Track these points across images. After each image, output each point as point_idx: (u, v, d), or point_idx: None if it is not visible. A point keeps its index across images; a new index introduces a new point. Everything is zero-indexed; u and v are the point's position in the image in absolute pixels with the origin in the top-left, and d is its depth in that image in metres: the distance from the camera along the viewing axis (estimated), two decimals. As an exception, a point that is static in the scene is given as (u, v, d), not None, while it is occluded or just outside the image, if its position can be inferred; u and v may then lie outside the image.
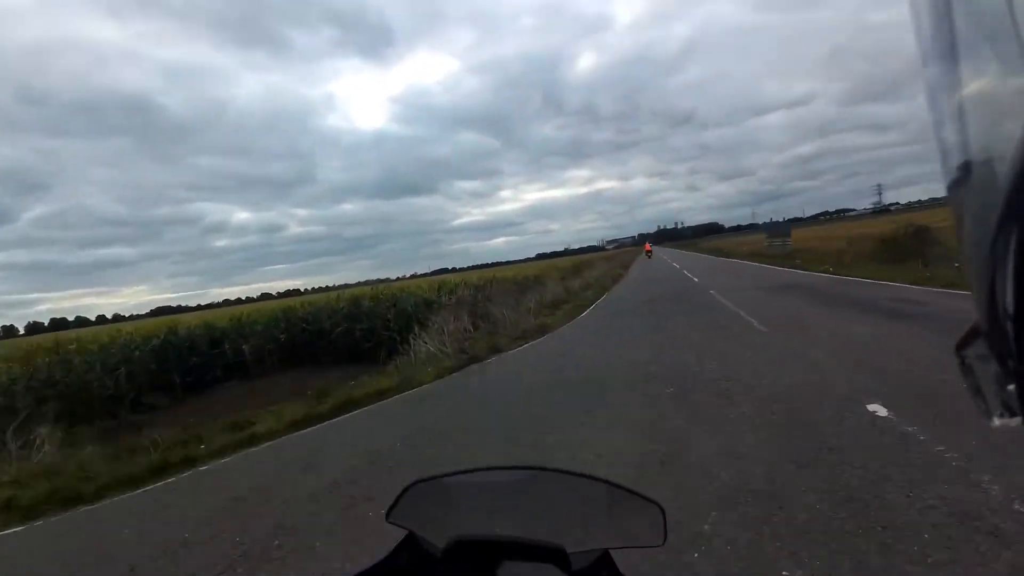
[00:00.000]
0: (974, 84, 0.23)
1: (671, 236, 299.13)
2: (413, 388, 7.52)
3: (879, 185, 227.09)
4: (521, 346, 9.68)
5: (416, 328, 13.02)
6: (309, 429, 6.21)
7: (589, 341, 9.02)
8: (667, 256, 52.14)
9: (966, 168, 0.24)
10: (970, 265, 0.24)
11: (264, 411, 9.57)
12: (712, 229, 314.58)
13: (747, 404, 4.34)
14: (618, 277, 26.77)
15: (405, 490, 0.71)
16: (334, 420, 6.47)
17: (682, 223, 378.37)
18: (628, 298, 15.70)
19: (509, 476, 0.80)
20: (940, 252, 13.24)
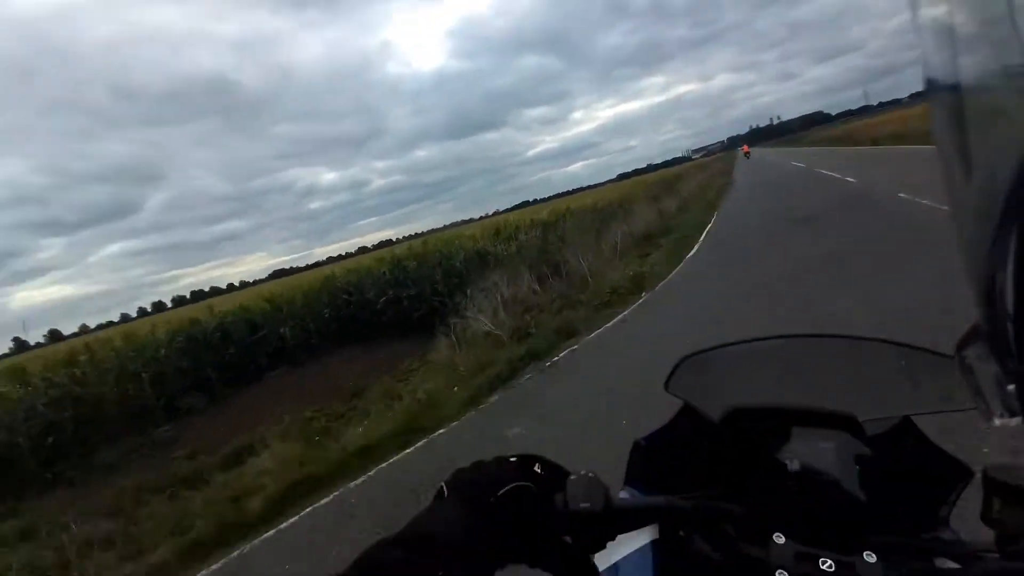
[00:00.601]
0: (974, 84, 0.23)
1: (767, 135, 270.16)
2: (423, 436, 4.25)
3: None
4: (609, 321, 6.02)
5: (468, 293, 9.76)
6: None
7: (731, 312, 4.99)
8: (775, 157, 41.83)
9: (966, 168, 0.24)
10: (970, 265, 0.25)
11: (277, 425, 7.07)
12: (816, 120, 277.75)
13: None
14: (724, 188, 21.53)
15: (679, 363, 0.73)
16: (258, 541, 3.38)
17: (778, 118, 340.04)
18: (759, 213, 11.02)
19: (785, 344, 0.77)
20: None
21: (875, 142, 25.41)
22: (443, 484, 0.47)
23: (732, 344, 0.74)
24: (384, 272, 13.70)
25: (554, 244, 12.02)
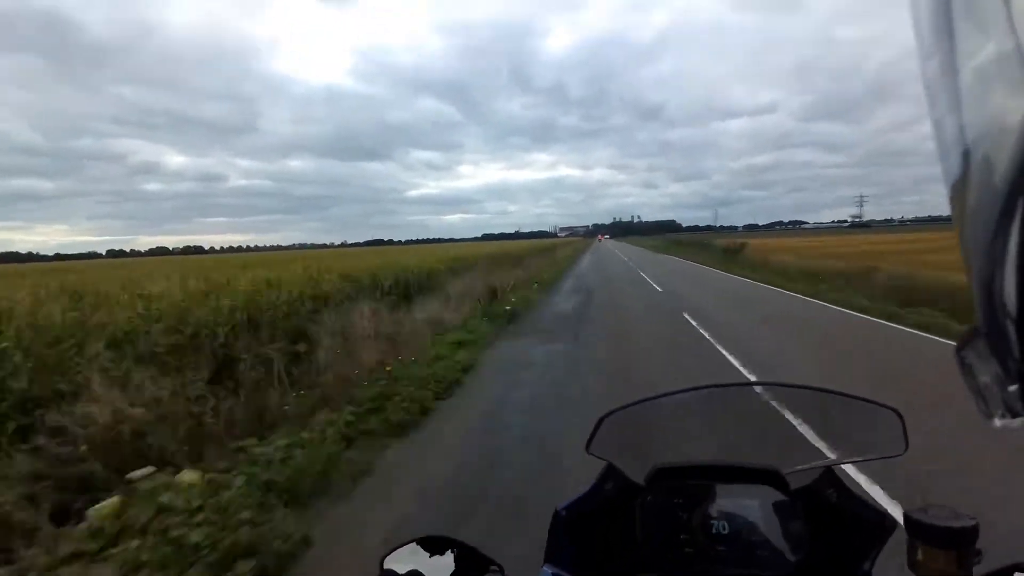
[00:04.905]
0: (972, 80, 0.24)
1: (627, 230, 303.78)
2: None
3: (861, 196, 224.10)
4: None
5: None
6: None
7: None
8: (657, 272, 18.65)
9: (965, 166, 0.24)
10: (970, 264, 0.25)
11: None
12: (669, 227, 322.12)
13: None
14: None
15: (600, 422, 0.71)
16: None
17: (638, 217, 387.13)
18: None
19: (707, 395, 0.75)
20: None
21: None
22: None
23: (652, 399, 0.74)
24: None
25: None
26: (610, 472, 0.72)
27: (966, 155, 0.24)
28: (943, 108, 0.25)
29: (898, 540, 0.56)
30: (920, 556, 0.50)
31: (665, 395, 0.72)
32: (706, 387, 0.72)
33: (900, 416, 0.65)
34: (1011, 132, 0.21)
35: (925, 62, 0.27)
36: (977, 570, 0.50)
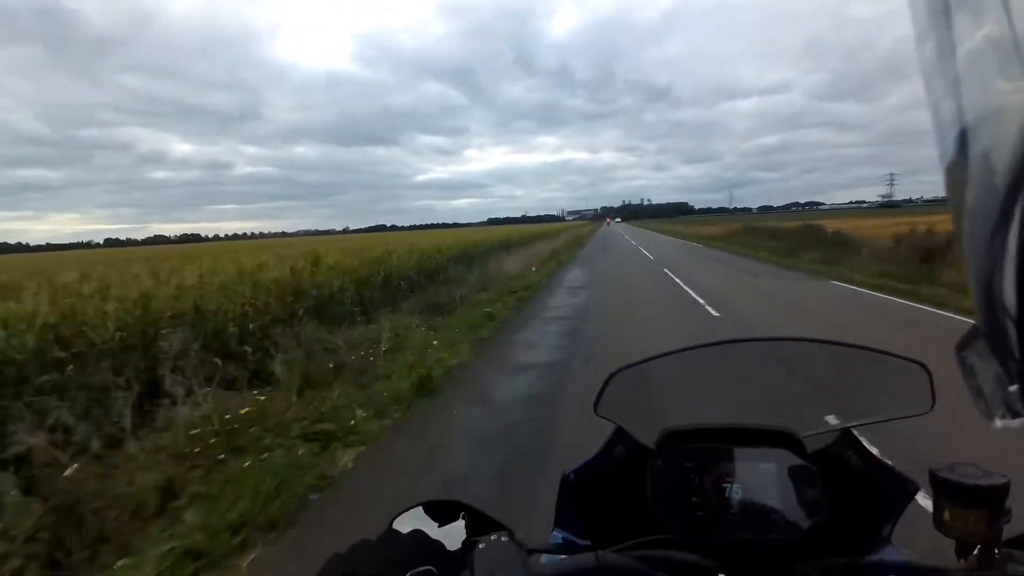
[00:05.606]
0: (967, 65, 0.24)
1: (637, 213, 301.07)
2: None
3: (891, 175, 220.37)
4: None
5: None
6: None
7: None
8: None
9: (963, 163, 0.24)
10: (969, 263, 0.25)
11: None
12: (681, 210, 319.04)
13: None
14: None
15: (608, 380, 0.70)
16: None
17: (648, 200, 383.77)
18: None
19: (722, 353, 0.74)
20: None
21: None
22: None
23: (662, 356, 0.71)
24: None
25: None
26: (619, 435, 0.73)
27: (963, 145, 0.24)
28: (939, 92, 0.25)
29: (918, 504, 0.55)
30: (947, 516, 0.49)
31: (676, 352, 0.70)
32: (719, 343, 0.71)
33: (927, 370, 0.64)
34: (1008, 122, 0.21)
35: (921, 44, 0.27)
36: (1007, 530, 0.50)
